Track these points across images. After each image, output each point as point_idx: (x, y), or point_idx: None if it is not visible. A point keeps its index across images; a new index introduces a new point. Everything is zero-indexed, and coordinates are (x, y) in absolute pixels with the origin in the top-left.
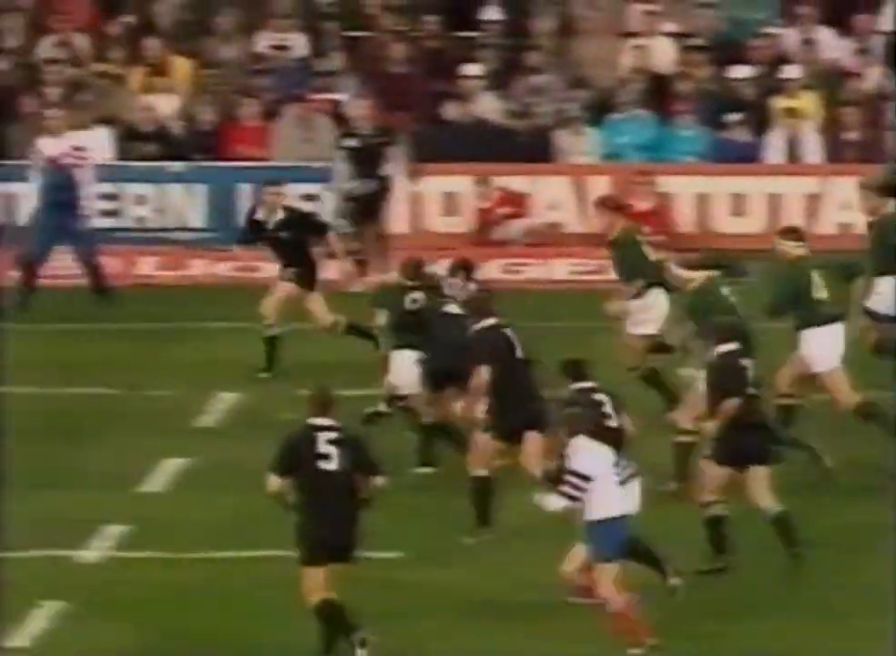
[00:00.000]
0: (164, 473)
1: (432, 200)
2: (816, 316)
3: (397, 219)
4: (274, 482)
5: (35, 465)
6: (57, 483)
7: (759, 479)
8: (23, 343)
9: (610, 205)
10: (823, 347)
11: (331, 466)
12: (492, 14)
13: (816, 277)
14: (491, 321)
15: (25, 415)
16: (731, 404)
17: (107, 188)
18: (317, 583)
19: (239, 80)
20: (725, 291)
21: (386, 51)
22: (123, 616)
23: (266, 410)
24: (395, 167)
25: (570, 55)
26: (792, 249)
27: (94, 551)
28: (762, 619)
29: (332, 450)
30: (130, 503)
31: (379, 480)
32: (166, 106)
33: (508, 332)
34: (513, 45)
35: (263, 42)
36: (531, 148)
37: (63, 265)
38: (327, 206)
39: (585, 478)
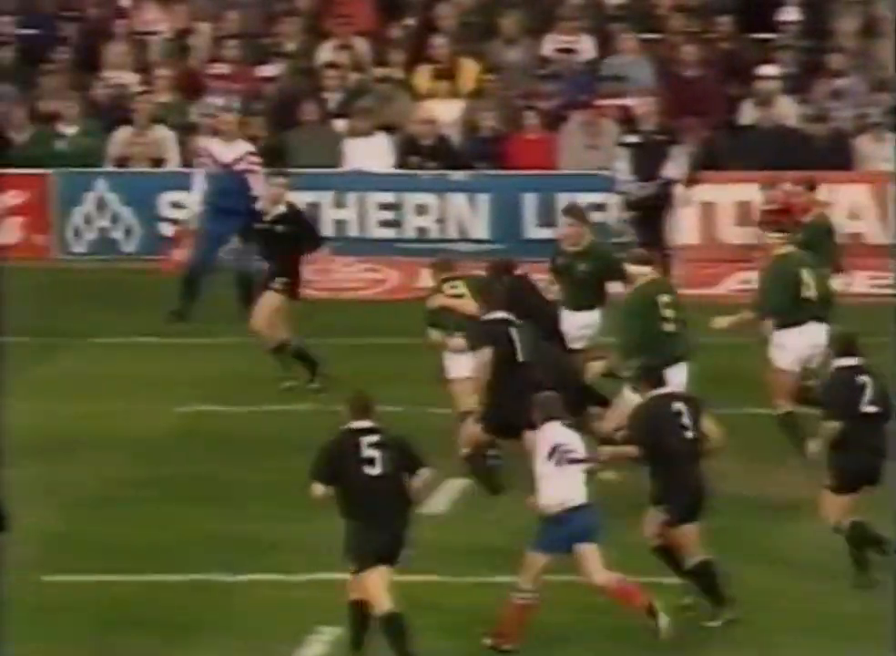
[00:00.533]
0: (445, 494)
1: (724, 209)
2: (795, 315)
3: (687, 228)
4: (318, 490)
5: None
6: None
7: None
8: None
9: (579, 215)
10: (789, 348)
11: (376, 470)
12: (790, 14)
13: (805, 274)
14: (499, 314)
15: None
16: (832, 427)
17: (388, 198)
18: (381, 586)
19: (524, 84)
20: (665, 298)
21: (678, 53)
22: None
23: None
24: (677, 169)
25: (873, 57)
26: (778, 242)
27: None
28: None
29: (376, 454)
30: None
31: (425, 472)
32: (448, 112)
33: (513, 330)
34: (812, 46)
35: (549, 45)
36: (829, 155)
37: (355, 277)
38: (613, 214)
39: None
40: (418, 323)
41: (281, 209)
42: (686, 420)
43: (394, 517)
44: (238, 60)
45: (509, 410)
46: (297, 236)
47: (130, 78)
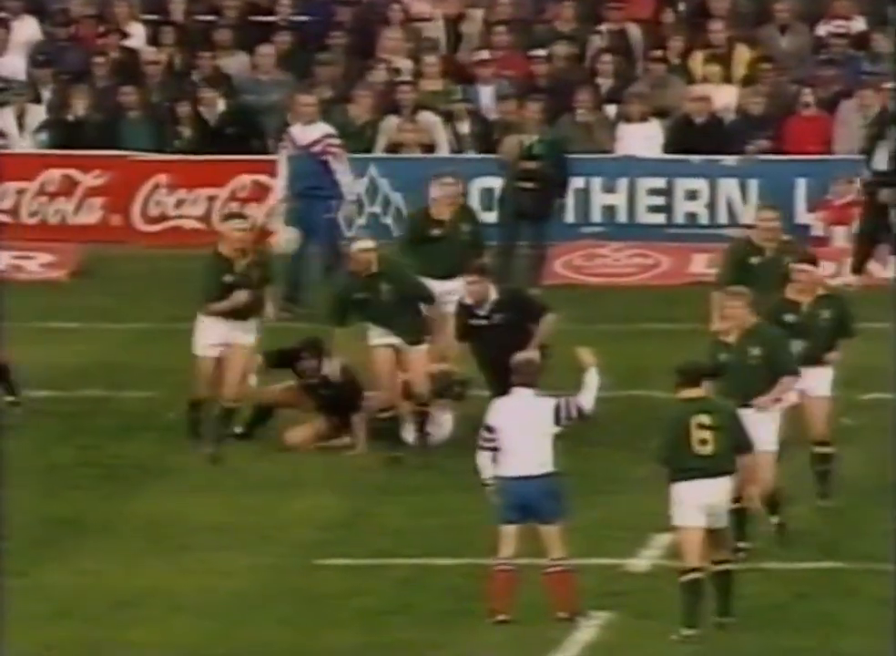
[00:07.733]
0: None
1: None
2: None
3: None
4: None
5: (591, 471)
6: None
7: None
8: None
9: None
10: None
11: None
12: None
13: None
14: None
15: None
16: None
17: (659, 183)
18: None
19: (799, 69)
20: None
21: None
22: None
23: None
24: None
25: None
26: None
27: (643, 560)
28: None
29: None
30: None
31: None
32: (722, 96)
33: None
34: None
35: (824, 28)
36: None
37: (624, 263)
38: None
39: (490, 430)
40: (688, 310)
41: None
42: None
43: None
44: (509, 46)
45: None
46: None
47: (404, 65)
